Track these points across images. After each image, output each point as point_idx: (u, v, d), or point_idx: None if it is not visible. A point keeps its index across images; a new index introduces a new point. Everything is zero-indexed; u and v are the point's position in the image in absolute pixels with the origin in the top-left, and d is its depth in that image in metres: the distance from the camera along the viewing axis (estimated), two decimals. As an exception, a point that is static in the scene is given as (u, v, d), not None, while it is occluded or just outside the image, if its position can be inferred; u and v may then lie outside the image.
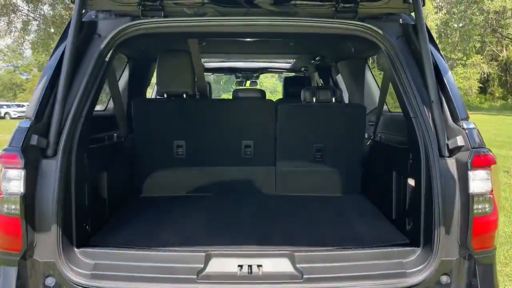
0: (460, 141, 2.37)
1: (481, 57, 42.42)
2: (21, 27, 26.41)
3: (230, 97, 4.96)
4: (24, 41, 27.78)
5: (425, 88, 2.56)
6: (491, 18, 37.99)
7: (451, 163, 2.40)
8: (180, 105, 3.68)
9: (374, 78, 4.55)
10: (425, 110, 2.53)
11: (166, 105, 3.70)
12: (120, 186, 3.45)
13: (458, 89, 2.61)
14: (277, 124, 3.73)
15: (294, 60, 6.43)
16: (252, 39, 4.27)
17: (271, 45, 4.83)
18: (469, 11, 37.77)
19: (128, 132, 3.66)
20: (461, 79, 39.86)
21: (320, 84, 6.49)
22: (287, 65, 7.04)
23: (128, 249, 2.50)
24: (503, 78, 44.68)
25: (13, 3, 25.40)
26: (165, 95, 3.68)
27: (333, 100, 3.74)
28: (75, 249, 2.40)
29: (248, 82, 7.95)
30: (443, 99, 2.57)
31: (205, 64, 7.02)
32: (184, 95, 3.68)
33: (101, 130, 3.34)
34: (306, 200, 3.66)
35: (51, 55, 2.60)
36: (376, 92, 4.48)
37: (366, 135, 3.84)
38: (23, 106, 38.56)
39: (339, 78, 6.16)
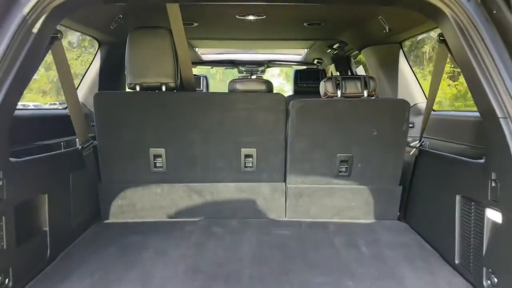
0: None
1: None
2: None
3: None
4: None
5: None
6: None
7: None
8: (157, 101, 2.75)
9: (411, 67, 3.58)
10: None
11: (137, 101, 2.77)
12: (74, 212, 2.53)
13: None
14: (288, 126, 2.79)
15: (307, 49, 5.48)
16: (255, 16, 3.34)
17: (279, 28, 3.88)
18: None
19: (89, 138, 2.74)
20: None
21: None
22: (298, 57, 6.09)
23: None
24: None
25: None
26: (138, 88, 2.76)
27: (365, 94, 2.79)
28: None
29: (253, 78, 7.01)
30: None
31: (202, 55, 6.13)
32: (164, 88, 2.75)
33: (41, 136, 2.42)
34: (328, 229, 2.71)
35: None
36: (414, 85, 3.53)
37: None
38: (28, 106, 37.72)
39: (360, 70, 5.20)
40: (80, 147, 2.67)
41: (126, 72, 2.77)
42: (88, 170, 2.76)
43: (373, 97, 2.83)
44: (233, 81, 3.00)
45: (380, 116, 2.75)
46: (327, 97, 2.83)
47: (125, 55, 2.75)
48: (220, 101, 2.81)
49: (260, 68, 6.56)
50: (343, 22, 3.59)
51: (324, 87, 2.81)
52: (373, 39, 3.64)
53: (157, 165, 2.85)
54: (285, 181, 2.91)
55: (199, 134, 2.80)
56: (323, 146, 2.79)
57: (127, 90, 2.85)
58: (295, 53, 6.13)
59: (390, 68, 3.65)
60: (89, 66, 3.53)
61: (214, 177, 2.89)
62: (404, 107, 2.73)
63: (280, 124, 2.80)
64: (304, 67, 6.24)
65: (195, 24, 3.61)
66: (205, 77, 5.37)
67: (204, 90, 5.21)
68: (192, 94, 2.84)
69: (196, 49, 5.67)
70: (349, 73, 5.34)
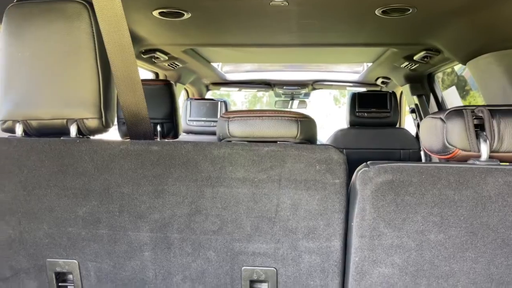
0: None
1: None
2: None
3: None
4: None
5: None
6: None
7: None
8: (60, 159, 1.25)
9: None
10: None
11: (17, 158, 1.27)
12: None
13: None
14: (352, 222, 1.19)
15: (369, 64, 3.84)
16: None
17: (328, 18, 2.29)
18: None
19: None
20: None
21: (413, 105, 3.85)
22: (355, 75, 4.47)
23: None
24: None
25: None
26: (19, 131, 1.29)
27: None
28: None
29: (295, 103, 5.44)
30: None
31: (227, 74, 4.66)
32: (73, 131, 1.27)
33: None
34: None
35: None
36: None
37: None
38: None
39: (451, 94, 3.51)
40: None
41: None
42: None
43: None
44: (225, 117, 1.41)
45: None
46: (449, 156, 1.19)
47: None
48: (196, 162, 1.26)
49: (303, 91, 4.98)
50: (453, 5, 1.94)
51: (442, 132, 1.17)
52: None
53: None
54: None
55: (150, 233, 1.27)
56: (440, 275, 1.16)
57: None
58: (350, 70, 4.52)
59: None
60: None
61: None
62: None
63: (331, 217, 1.21)
64: (363, 89, 4.60)
65: (187, 15, 2.12)
66: (224, 102, 3.86)
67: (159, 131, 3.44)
68: (136, 145, 1.29)
69: (217, 65, 4.21)
70: (432, 99, 3.65)
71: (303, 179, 1.20)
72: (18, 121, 1.28)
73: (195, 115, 3.80)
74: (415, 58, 3.00)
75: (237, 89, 5.02)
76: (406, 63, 3.22)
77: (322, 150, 1.20)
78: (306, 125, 1.37)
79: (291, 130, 1.35)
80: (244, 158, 1.22)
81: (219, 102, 3.83)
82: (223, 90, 5.48)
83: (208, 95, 5.10)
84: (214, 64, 4.09)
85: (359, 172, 1.16)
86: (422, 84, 3.67)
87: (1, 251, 1.31)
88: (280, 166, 1.20)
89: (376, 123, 3.50)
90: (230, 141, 1.38)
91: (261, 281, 1.29)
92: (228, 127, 1.37)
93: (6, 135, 1.31)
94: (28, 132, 1.30)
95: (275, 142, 1.33)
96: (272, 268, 1.27)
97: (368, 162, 1.16)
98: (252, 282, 1.29)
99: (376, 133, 3.48)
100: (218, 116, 3.87)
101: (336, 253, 1.23)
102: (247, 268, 1.27)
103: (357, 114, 3.58)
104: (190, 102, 3.84)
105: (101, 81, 1.27)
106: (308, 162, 1.20)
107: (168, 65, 3.41)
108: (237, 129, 1.36)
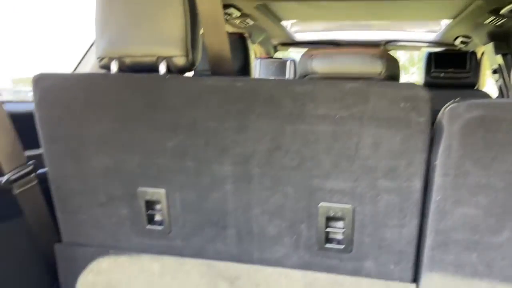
0: None
1: None
2: None
3: None
4: None
5: None
6: None
7: None
8: (151, 95, 1.34)
9: None
10: None
11: (113, 93, 1.38)
12: None
13: None
14: (436, 161, 1.18)
15: (448, 21, 3.62)
16: None
17: None
18: None
19: (29, 162, 1.46)
20: None
21: (496, 65, 3.60)
22: (431, 35, 4.24)
23: None
24: None
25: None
26: (115, 67, 1.39)
27: None
28: None
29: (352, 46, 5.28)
30: None
31: (295, 34, 4.61)
32: (163, 67, 1.34)
33: None
34: None
35: None
36: None
37: None
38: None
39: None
40: (6, 179, 1.40)
41: (95, 38, 1.40)
42: (25, 223, 1.47)
43: None
44: (308, 54, 1.42)
45: None
46: None
47: (95, 4, 1.38)
48: (279, 99, 1.28)
49: (373, 52, 4.82)
50: None
51: None
52: None
53: (154, 219, 1.47)
54: (416, 282, 1.30)
55: (232, 167, 1.33)
56: None
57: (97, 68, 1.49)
58: (426, 29, 4.28)
59: None
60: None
61: (261, 256, 1.41)
62: None
63: (413, 156, 1.20)
64: (439, 49, 4.36)
65: None
66: (293, 61, 3.84)
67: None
68: (221, 81, 1.34)
69: (286, 25, 4.18)
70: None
71: (386, 117, 1.19)
72: (114, 58, 1.37)
73: (264, 74, 3.84)
74: (502, 11, 2.78)
75: (305, 49, 4.96)
76: (492, 18, 2.99)
77: (407, 87, 1.17)
78: (391, 62, 1.34)
79: (375, 67, 1.33)
80: (326, 95, 1.23)
81: (288, 61, 3.82)
82: (289, 52, 5.44)
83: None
84: (284, 23, 4.06)
85: (447, 109, 1.13)
86: (508, 42, 3.41)
87: (99, 179, 1.44)
88: (362, 104, 1.20)
89: (454, 84, 3.34)
90: (312, 77, 1.40)
91: (338, 219, 1.32)
92: (311, 63, 1.38)
93: (103, 71, 1.42)
94: (122, 69, 1.40)
95: (359, 79, 1.33)
96: (349, 206, 1.29)
97: (457, 99, 1.13)
98: (329, 219, 1.32)
99: (454, 95, 3.31)
100: (286, 75, 3.87)
101: (416, 193, 1.22)
102: (324, 204, 1.31)
103: (433, 74, 3.42)
104: (260, 61, 3.88)
105: (188, 21, 1.32)
106: (393, 99, 1.18)
107: (239, 22, 3.44)
108: (320, 65, 1.37)
